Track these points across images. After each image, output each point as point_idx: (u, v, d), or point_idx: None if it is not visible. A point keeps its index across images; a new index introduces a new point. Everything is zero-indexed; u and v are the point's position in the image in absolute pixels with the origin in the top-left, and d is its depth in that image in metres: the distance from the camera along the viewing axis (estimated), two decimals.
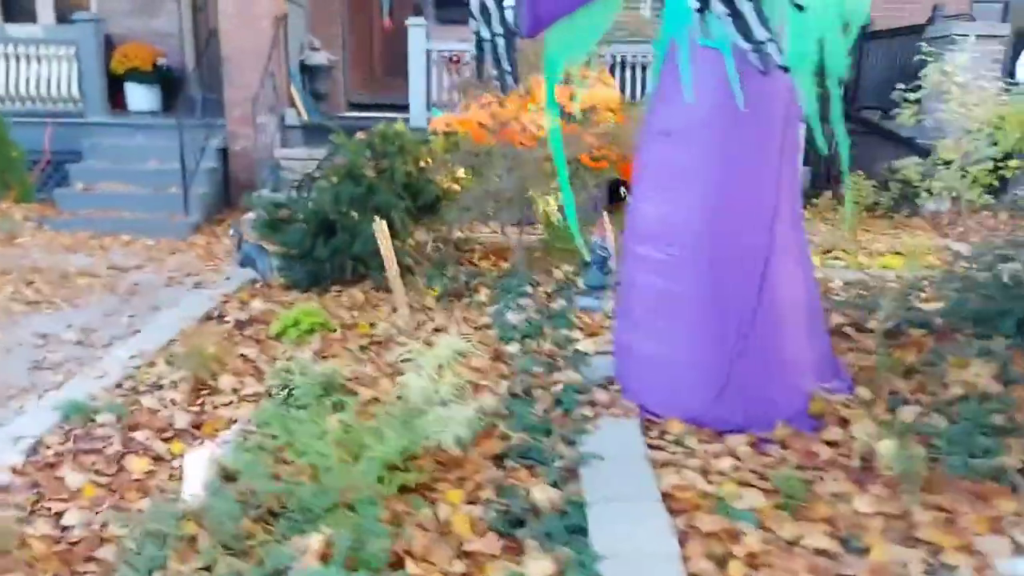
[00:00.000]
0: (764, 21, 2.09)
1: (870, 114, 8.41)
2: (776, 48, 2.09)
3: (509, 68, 2.64)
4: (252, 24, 8.10)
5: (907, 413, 2.88)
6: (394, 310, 4.48)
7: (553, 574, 2.09)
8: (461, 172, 5.70)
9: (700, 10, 2.19)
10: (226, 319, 4.49)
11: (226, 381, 3.50)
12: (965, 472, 2.50)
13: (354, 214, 4.97)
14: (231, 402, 3.35)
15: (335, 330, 4.21)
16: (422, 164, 5.48)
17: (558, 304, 4.23)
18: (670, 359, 2.90)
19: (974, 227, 6.69)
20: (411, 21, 8.52)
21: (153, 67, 9.18)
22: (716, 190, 2.74)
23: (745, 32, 2.15)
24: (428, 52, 8.59)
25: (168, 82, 9.34)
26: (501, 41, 2.63)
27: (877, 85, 8.54)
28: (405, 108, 8.59)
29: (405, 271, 5.32)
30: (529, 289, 4.54)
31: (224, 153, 8.21)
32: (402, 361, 3.58)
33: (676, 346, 2.89)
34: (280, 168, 7.75)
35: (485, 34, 2.67)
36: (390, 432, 2.60)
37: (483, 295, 4.68)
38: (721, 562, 2.15)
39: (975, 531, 2.27)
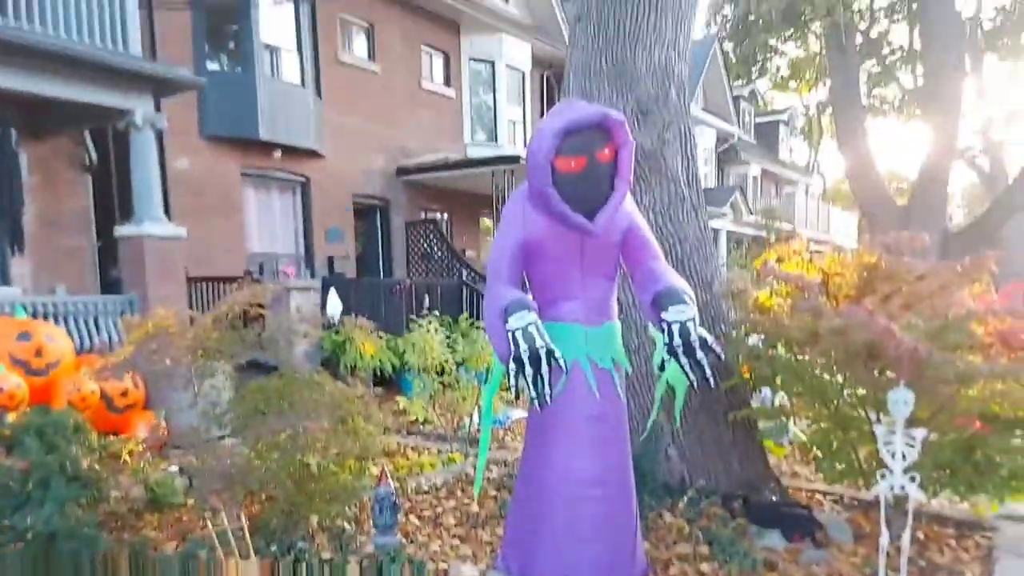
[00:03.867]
0: (712, 367, 3.51)
1: None
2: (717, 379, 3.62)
3: (548, 390, 3.27)
4: None
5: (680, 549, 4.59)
6: None
7: None
8: None
9: (671, 357, 3.42)
10: None
11: None
12: None
13: None
14: None
15: None
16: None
17: (364, 551, 4.34)
18: (612, 558, 3.92)
19: None
20: None
21: None
22: (620, 448, 4.03)
23: (699, 373, 3.50)
24: None
25: None
26: (546, 374, 3.22)
27: None
28: None
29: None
30: (302, 544, 4.38)
31: None
32: None
33: (618, 548, 3.95)
34: None
35: (528, 372, 3.19)
36: None
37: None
38: None
39: None
